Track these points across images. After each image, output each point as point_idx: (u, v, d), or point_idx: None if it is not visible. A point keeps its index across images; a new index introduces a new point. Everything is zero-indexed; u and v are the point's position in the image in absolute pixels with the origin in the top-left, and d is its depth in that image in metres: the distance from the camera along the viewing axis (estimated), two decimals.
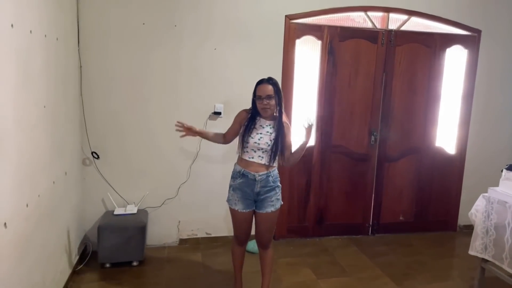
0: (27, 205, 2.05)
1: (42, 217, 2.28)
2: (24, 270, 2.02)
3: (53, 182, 2.50)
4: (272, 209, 2.50)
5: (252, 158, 2.46)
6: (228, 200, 2.57)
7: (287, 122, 2.54)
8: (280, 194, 2.56)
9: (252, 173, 2.44)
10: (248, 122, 2.49)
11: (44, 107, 2.32)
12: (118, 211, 3.27)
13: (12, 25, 1.85)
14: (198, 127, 3.39)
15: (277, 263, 3.22)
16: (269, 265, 2.64)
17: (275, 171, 2.53)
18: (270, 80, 2.44)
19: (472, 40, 3.93)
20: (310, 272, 3.17)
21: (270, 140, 2.44)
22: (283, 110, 2.50)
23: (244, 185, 2.47)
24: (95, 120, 3.26)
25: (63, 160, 2.73)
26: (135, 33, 3.22)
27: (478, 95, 4.02)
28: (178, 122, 2.52)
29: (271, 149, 2.44)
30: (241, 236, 2.64)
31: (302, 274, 3.13)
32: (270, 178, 2.48)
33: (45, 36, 2.33)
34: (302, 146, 2.46)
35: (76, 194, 3.12)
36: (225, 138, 2.64)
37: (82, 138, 3.23)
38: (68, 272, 2.85)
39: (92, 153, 3.28)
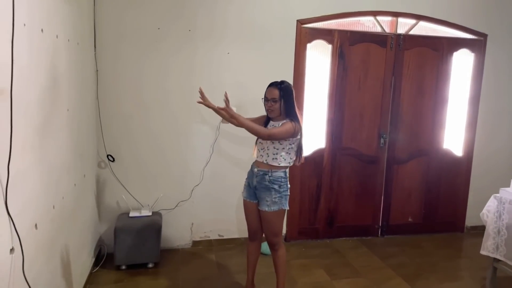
0: (53, 207, 2.08)
1: (65, 219, 2.31)
2: (49, 272, 2.06)
3: (75, 184, 2.54)
4: (266, 208, 2.52)
5: (257, 157, 2.64)
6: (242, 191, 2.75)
7: (289, 122, 2.46)
8: (280, 200, 2.51)
9: (255, 166, 2.62)
10: (264, 123, 2.64)
11: (68, 110, 2.36)
12: (133, 213, 3.31)
13: (42, 30, 1.90)
14: (210, 130, 3.51)
15: (290, 264, 3.26)
16: (279, 266, 2.67)
17: (276, 173, 2.51)
18: (279, 85, 2.52)
19: (478, 44, 4.00)
20: (324, 273, 3.21)
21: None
22: (296, 115, 2.50)
23: (249, 175, 2.68)
24: (111, 124, 3.30)
25: (83, 162, 2.77)
26: (150, 37, 3.27)
27: (485, 98, 4.09)
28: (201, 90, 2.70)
29: (267, 147, 2.54)
30: (249, 228, 2.74)
31: (316, 275, 3.17)
32: (267, 177, 2.51)
33: (68, 40, 2.37)
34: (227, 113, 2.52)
35: (93, 197, 3.16)
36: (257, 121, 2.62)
37: (98, 141, 3.27)
38: (86, 274, 2.88)
39: (107, 156, 3.32)
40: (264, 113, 2.65)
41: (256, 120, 2.65)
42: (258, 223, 2.67)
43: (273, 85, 2.55)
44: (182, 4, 3.30)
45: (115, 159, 3.34)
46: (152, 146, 3.41)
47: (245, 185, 2.70)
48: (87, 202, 2.94)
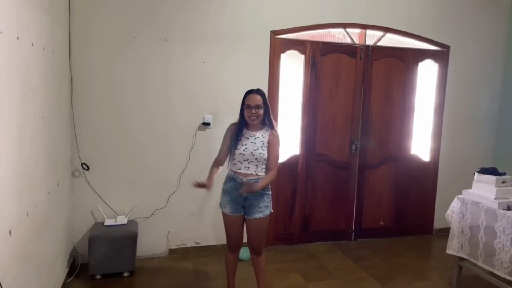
0: (27, 214, 2.07)
1: (38, 228, 2.29)
2: (23, 280, 2.03)
3: (48, 192, 2.52)
4: (261, 215, 2.55)
5: (239, 169, 2.56)
6: (220, 204, 2.67)
7: (276, 134, 2.64)
8: (270, 202, 2.62)
9: (240, 177, 2.54)
10: (236, 134, 2.60)
11: (42, 117, 2.36)
12: (108, 222, 3.28)
13: (17, 38, 1.91)
14: (186, 138, 3.55)
15: (266, 269, 3.30)
16: (263, 271, 2.72)
17: None
18: (259, 91, 2.59)
19: (441, 55, 4.24)
20: (299, 276, 3.28)
21: (255, 150, 2.53)
22: (272, 121, 2.65)
23: (233, 188, 2.56)
24: (85, 132, 3.29)
25: (56, 171, 2.74)
26: (126, 46, 3.30)
27: (449, 106, 4.32)
28: (195, 184, 2.56)
29: (256, 159, 2.53)
30: (231, 241, 2.69)
31: (291, 279, 3.23)
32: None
33: (43, 48, 2.38)
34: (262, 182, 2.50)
35: (66, 206, 3.12)
36: (220, 162, 2.67)
37: (72, 149, 3.24)
38: (60, 284, 2.84)
39: (82, 164, 3.29)
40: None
41: (224, 144, 2.64)
42: (242, 234, 2.68)
43: (253, 92, 2.57)
44: (158, 14, 3.36)
45: (89, 167, 3.32)
46: (128, 154, 3.41)
47: (226, 201, 2.59)
48: (61, 211, 2.91)
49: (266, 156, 2.55)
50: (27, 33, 2.07)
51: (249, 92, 2.59)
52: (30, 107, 2.13)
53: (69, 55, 3.14)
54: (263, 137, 2.58)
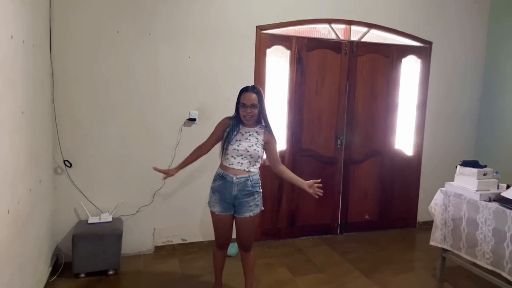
0: (8, 211, 2.01)
1: (21, 225, 2.23)
2: (5, 278, 1.98)
3: (30, 190, 2.45)
4: (251, 214, 2.53)
5: (232, 164, 2.51)
6: (208, 202, 2.63)
7: (272, 132, 2.62)
8: (261, 200, 2.59)
9: (231, 175, 2.50)
10: (230, 128, 2.55)
11: (22, 112, 2.29)
12: (92, 219, 3.23)
13: None
14: (172, 133, 3.51)
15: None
16: (252, 267, 2.71)
17: (255, 176, 2.55)
18: (254, 89, 2.52)
19: (424, 51, 4.31)
20: (287, 270, 3.29)
21: (249, 147, 2.50)
22: (268, 121, 2.60)
23: (223, 187, 2.52)
24: (68, 129, 3.21)
25: (38, 168, 2.68)
26: (108, 41, 3.24)
27: (431, 101, 4.39)
28: (154, 168, 2.64)
29: (250, 155, 2.50)
30: (220, 240, 2.67)
31: (279, 273, 3.25)
32: (249, 182, 2.50)
33: (23, 42, 2.31)
34: (295, 182, 2.65)
35: (49, 204, 3.05)
36: (202, 149, 2.66)
37: (54, 146, 3.17)
38: (43, 283, 2.77)
39: (64, 161, 3.22)
40: (224, 116, 2.66)
41: (213, 135, 2.63)
42: (231, 232, 2.65)
43: (249, 90, 2.50)
44: (141, 8, 3.30)
45: (72, 164, 3.25)
46: (111, 151, 3.36)
47: (215, 200, 2.55)
48: (43, 208, 2.84)
49: (260, 153, 2.54)
50: (6, 26, 2.00)
51: (245, 90, 2.51)
52: (9, 101, 2.07)
53: (50, 49, 3.07)
54: (258, 134, 2.55)
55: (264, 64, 3.72)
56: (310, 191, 2.58)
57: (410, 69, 4.29)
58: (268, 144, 2.60)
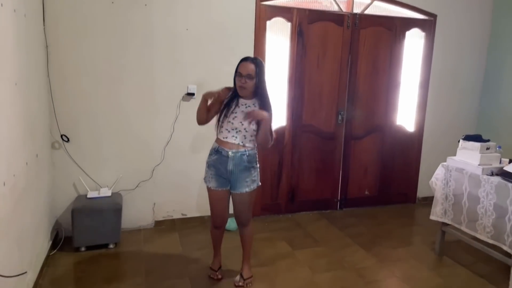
0: (4, 184, 1.98)
1: (18, 198, 2.21)
2: (4, 250, 1.97)
3: (26, 163, 2.42)
4: (247, 189, 2.47)
5: (226, 138, 2.44)
6: (204, 178, 2.57)
7: (270, 110, 2.44)
8: (258, 176, 2.53)
9: (226, 149, 2.42)
10: (227, 100, 2.46)
11: (16, 84, 2.24)
12: (92, 194, 3.22)
13: None
14: (170, 108, 3.46)
15: (254, 238, 3.29)
16: (249, 242, 2.70)
17: (252, 151, 2.48)
18: (254, 60, 2.40)
19: (428, 24, 4.19)
20: (286, 244, 3.31)
21: (245, 120, 2.41)
22: (267, 93, 2.45)
23: (218, 162, 2.45)
24: (64, 103, 3.15)
25: (34, 141, 2.64)
26: (104, 12, 3.14)
27: (434, 75, 4.31)
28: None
29: (245, 129, 2.42)
30: (217, 220, 2.61)
31: (279, 247, 3.26)
32: (245, 157, 2.44)
33: (14, 11, 2.23)
34: (263, 127, 2.40)
35: (47, 178, 3.03)
36: (207, 117, 2.52)
37: (51, 121, 3.12)
38: (43, 256, 2.78)
39: (61, 136, 3.18)
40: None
41: (211, 106, 2.47)
42: (227, 208, 2.61)
43: (248, 59, 2.39)
44: None
45: (69, 139, 3.22)
46: (109, 126, 3.31)
47: (211, 175, 2.49)
48: (41, 183, 2.82)
49: (255, 127, 2.43)
50: None
51: (243, 59, 2.40)
52: (2, 72, 2.01)
53: (43, 21, 2.97)
54: (255, 106, 2.45)
55: (264, 37, 3.62)
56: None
57: (413, 43, 4.18)
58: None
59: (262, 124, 2.39)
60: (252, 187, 2.50)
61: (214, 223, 2.65)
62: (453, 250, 3.26)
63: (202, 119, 2.52)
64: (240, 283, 2.66)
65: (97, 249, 3.09)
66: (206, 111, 2.49)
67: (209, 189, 2.54)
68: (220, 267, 2.78)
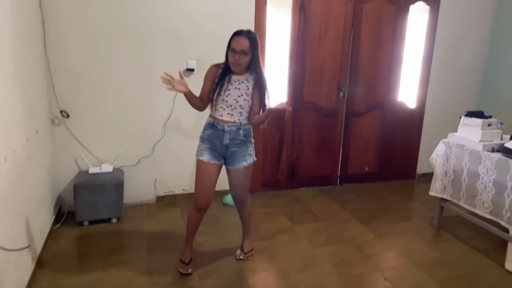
0: (5, 159, 1.99)
1: (19, 174, 2.22)
2: (4, 225, 1.99)
3: (27, 138, 2.42)
4: (244, 164, 2.43)
5: (221, 116, 2.37)
6: (196, 152, 2.46)
7: (261, 86, 2.37)
8: (253, 150, 2.49)
9: (221, 123, 2.37)
10: (219, 78, 2.36)
11: (13, 59, 2.20)
12: (93, 170, 3.23)
13: None
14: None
15: (254, 213, 3.34)
16: (248, 219, 2.71)
17: (248, 126, 2.44)
18: (249, 34, 2.26)
19: None
20: (286, 219, 3.35)
21: (239, 97, 2.34)
22: (261, 69, 2.36)
23: (213, 136, 2.39)
24: (63, 78, 3.12)
25: (34, 117, 2.63)
26: None
27: (438, 52, 4.25)
28: (166, 74, 2.29)
29: (240, 106, 2.36)
30: (201, 201, 2.43)
31: (279, 221, 3.30)
32: (241, 132, 2.39)
33: None
34: (263, 117, 2.35)
35: (48, 154, 3.03)
36: (203, 102, 2.44)
37: (49, 96, 3.10)
38: (47, 230, 2.83)
39: (61, 112, 3.17)
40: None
41: (204, 88, 2.42)
42: (214, 188, 2.46)
43: (241, 33, 2.24)
44: None
45: (69, 115, 3.20)
46: (109, 101, 3.29)
47: (204, 148, 2.40)
48: (42, 158, 2.83)
49: (250, 103, 2.38)
50: None
51: (237, 33, 2.25)
52: None
53: None
54: (248, 81, 2.37)
55: (264, 10, 3.54)
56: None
57: (417, 20, 4.09)
58: (255, 92, 2.38)
59: (267, 112, 2.33)
60: (249, 161, 2.46)
61: (197, 203, 2.45)
62: (451, 225, 3.30)
63: (199, 107, 2.46)
64: (241, 256, 2.71)
65: (100, 223, 3.13)
66: (196, 99, 2.43)
67: (200, 162, 2.41)
68: (191, 260, 2.55)
